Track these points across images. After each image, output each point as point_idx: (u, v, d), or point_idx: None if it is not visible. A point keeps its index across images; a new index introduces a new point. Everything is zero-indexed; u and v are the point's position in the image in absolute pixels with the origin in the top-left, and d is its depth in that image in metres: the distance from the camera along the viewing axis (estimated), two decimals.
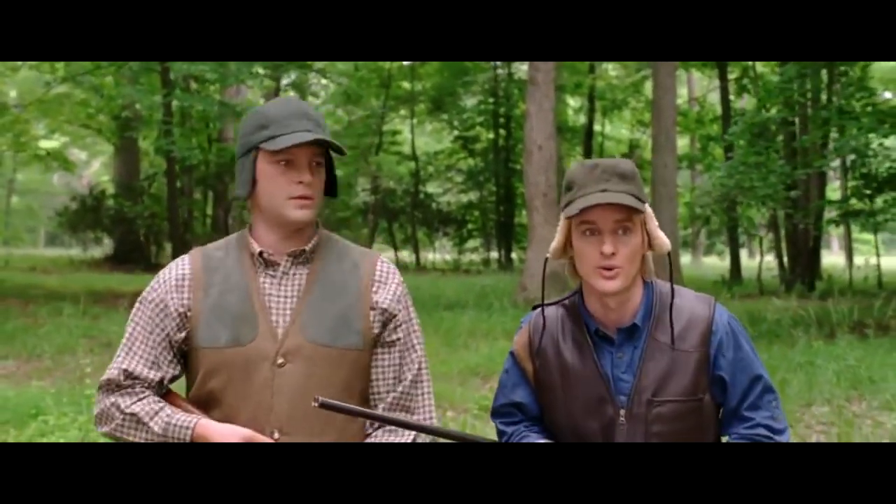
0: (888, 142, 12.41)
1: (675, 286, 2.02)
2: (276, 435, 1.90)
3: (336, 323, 1.96)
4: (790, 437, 1.99)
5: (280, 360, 1.93)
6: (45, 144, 23.83)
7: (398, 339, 2.03)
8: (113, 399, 1.96)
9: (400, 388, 2.01)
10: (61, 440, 4.96)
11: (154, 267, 20.78)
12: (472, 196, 26.76)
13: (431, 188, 27.39)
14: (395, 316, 2.02)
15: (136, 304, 2.03)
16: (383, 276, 2.05)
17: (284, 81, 21.24)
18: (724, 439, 2.04)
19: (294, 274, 2.00)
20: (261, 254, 1.99)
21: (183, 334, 1.98)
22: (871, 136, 10.18)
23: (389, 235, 25.92)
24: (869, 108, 11.50)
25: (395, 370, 2.02)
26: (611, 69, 26.15)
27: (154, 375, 1.97)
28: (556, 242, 1.98)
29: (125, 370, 1.96)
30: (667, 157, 13.38)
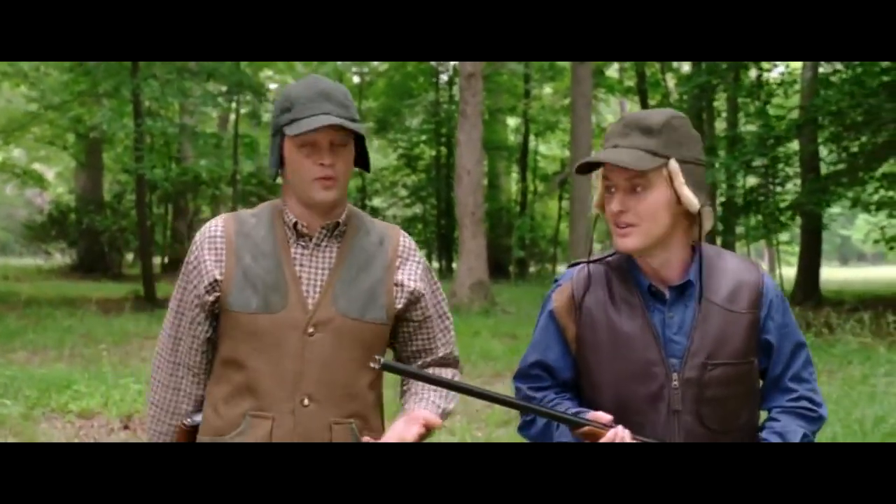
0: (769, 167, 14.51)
1: (720, 248, 2.02)
2: (306, 402, 1.94)
3: (365, 297, 2.01)
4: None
5: (311, 330, 1.95)
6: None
7: (430, 314, 2.13)
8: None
9: (450, 349, 2.18)
10: (92, 403, 6.67)
11: (119, 276, 22.26)
12: (416, 210, 28.54)
13: (378, 202, 29.11)
14: (422, 295, 2.09)
15: (183, 267, 2.09)
16: (405, 251, 2.10)
17: (243, 110, 22.67)
18: (763, 414, 2.00)
19: (326, 247, 2.02)
20: (295, 225, 2.01)
21: (214, 296, 2.01)
22: (732, 169, 12.22)
23: None
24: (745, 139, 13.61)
25: (444, 335, 2.16)
26: (545, 92, 28.16)
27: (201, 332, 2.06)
28: (595, 196, 1.93)
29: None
30: (582, 179, 15.43)
